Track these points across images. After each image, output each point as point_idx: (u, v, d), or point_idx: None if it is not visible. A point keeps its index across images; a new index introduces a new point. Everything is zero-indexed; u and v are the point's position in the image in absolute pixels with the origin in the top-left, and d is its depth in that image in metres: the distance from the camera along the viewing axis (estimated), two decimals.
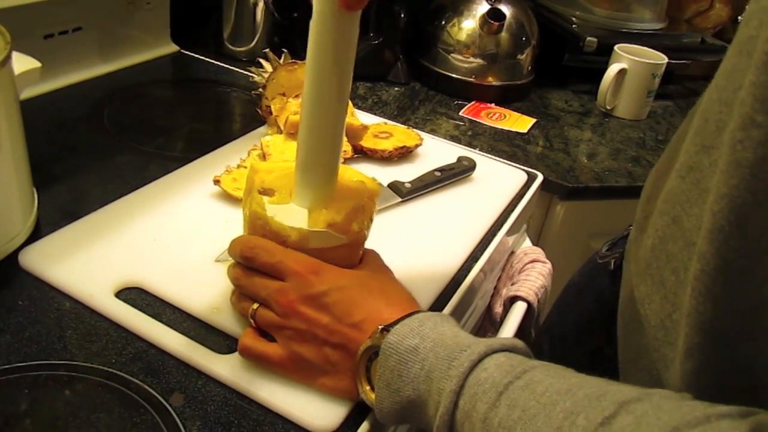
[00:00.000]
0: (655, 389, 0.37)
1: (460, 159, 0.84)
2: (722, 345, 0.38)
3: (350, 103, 0.86)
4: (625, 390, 0.37)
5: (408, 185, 0.77)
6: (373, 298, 0.49)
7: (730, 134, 0.35)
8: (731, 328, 0.38)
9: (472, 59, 1.23)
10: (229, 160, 0.77)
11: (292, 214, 0.52)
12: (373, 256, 0.57)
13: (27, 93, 0.84)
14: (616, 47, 1.26)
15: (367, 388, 0.48)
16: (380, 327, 0.47)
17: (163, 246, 0.64)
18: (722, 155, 0.36)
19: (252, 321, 0.52)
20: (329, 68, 0.48)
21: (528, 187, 0.86)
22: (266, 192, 0.55)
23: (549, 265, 0.83)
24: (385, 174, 0.79)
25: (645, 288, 0.48)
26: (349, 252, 0.53)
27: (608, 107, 1.28)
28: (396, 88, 1.26)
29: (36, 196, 0.67)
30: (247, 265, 0.52)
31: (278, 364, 0.51)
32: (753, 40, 0.36)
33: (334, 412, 0.50)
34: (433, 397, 0.43)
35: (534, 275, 0.81)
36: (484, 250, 0.73)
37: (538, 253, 0.85)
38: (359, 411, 0.51)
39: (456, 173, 0.81)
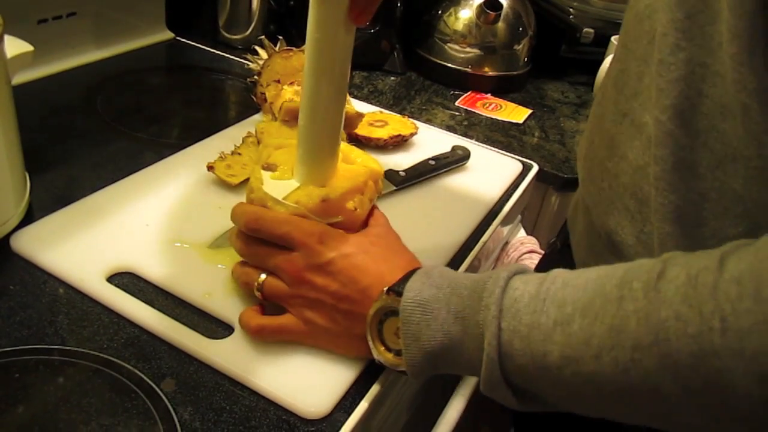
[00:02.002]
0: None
1: (454, 148, 0.84)
2: (686, 230, 0.45)
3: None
4: (656, 259, 0.40)
5: (402, 174, 0.76)
6: (377, 264, 0.51)
7: (659, 63, 0.45)
8: (689, 215, 0.45)
9: (468, 49, 1.22)
10: (223, 147, 0.77)
11: (287, 190, 0.53)
12: (378, 217, 0.57)
13: (20, 78, 0.84)
14: (613, 38, 1.26)
15: (382, 348, 0.49)
16: (385, 289, 0.48)
17: (155, 231, 0.63)
18: (655, 81, 0.46)
19: (258, 293, 0.53)
20: (329, 58, 0.49)
21: (523, 178, 0.86)
22: (269, 167, 0.56)
23: None
24: (379, 162, 0.79)
25: (614, 219, 0.52)
26: (344, 231, 0.54)
27: None
28: (392, 78, 1.25)
29: (28, 181, 0.66)
30: (252, 235, 0.53)
31: (295, 332, 0.52)
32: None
33: (325, 398, 0.50)
34: (470, 333, 0.44)
35: (530, 266, 0.81)
36: (478, 239, 0.73)
37: (534, 243, 0.85)
38: (351, 397, 0.51)
39: (450, 162, 0.81)
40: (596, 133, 0.58)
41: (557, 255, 0.72)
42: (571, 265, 0.63)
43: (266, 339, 0.53)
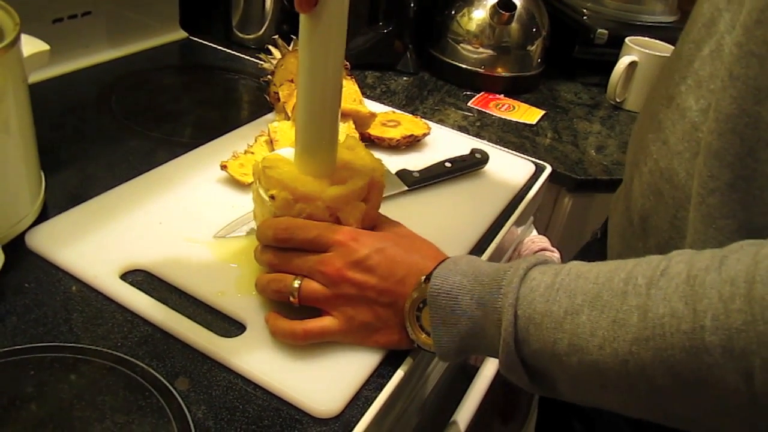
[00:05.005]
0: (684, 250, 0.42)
1: (473, 151, 0.83)
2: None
3: (359, 91, 0.85)
4: (664, 256, 0.41)
5: (416, 174, 0.76)
6: (409, 255, 0.53)
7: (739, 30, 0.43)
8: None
9: (481, 50, 1.22)
10: (236, 146, 0.77)
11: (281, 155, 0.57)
12: (390, 221, 0.58)
13: (36, 77, 0.85)
14: (626, 39, 1.25)
15: (422, 335, 0.51)
16: (423, 278, 0.50)
17: (169, 229, 0.63)
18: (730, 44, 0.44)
19: (293, 299, 0.53)
20: (318, 58, 0.51)
21: (536, 179, 0.86)
22: None
23: (557, 254, 0.83)
24: (392, 162, 0.79)
25: (650, 203, 0.54)
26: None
27: (618, 100, 1.27)
28: (405, 78, 1.25)
29: (44, 179, 0.67)
30: (283, 246, 0.54)
31: (338, 332, 0.53)
32: None
33: (337, 398, 0.50)
34: (490, 318, 0.46)
35: None
36: (491, 240, 0.72)
37: (545, 241, 0.85)
38: (363, 397, 0.51)
39: (468, 165, 0.80)
40: (646, 114, 0.58)
41: (596, 244, 0.73)
42: (603, 254, 0.65)
43: (308, 342, 0.53)
